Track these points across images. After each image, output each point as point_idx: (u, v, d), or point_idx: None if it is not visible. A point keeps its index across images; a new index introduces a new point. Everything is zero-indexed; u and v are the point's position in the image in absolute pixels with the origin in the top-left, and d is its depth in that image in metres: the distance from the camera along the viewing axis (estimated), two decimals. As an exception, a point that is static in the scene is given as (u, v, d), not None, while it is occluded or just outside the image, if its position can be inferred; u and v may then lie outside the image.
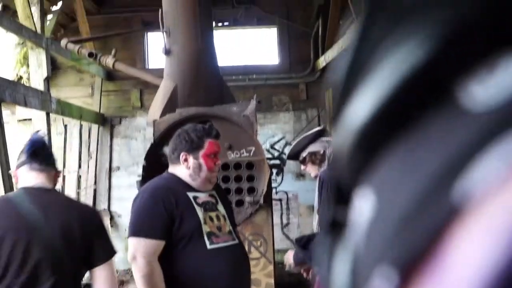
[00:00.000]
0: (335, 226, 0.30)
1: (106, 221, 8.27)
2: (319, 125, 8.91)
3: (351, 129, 0.26)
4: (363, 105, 0.25)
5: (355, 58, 0.26)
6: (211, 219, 2.86)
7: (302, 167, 3.83)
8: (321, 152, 3.67)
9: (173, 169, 2.97)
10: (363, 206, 0.26)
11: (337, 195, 0.30)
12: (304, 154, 3.71)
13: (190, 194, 2.88)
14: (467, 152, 0.21)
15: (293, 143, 3.91)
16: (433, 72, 0.23)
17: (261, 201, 4.29)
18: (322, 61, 8.55)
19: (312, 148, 3.68)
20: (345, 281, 0.27)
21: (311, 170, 3.74)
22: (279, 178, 8.78)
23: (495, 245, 0.19)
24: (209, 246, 2.77)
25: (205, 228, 2.79)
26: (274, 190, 5.45)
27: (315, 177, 3.71)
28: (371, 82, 0.25)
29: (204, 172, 2.92)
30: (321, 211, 3.57)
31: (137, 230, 2.75)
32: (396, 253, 0.22)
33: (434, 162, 0.22)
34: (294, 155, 3.82)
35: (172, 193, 2.82)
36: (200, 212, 2.82)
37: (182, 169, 2.92)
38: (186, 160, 2.92)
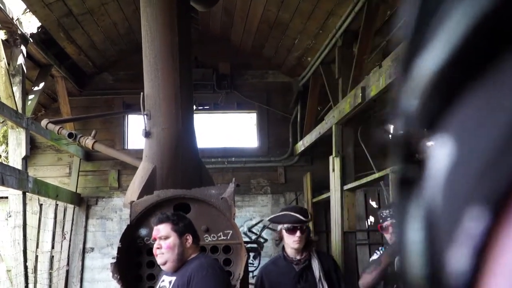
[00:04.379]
0: (405, 184, 0.29)
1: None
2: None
3: (425, 76, 0.25)
4: (437, 50, 0.25)
5: (425, 6, 0.26)
6: None
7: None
8: None
9: None
10: (440, 154, 0.25)
11: (405, 153, 0.29)
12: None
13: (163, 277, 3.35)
14: None
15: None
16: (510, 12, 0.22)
17: (238, 286, 4.21)
18: (300, 146, 8.68)
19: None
20: (419, 238, 0.27)
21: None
22: (256, 262, 8.64)
23: None
24: None
25: None
26: (251, 274, 5.36)
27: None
28: (444, 27, 0.24)
29: None
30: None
31: None
32: (488, 189, 0.22)
33: None
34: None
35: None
36: None
37: None
38: None
